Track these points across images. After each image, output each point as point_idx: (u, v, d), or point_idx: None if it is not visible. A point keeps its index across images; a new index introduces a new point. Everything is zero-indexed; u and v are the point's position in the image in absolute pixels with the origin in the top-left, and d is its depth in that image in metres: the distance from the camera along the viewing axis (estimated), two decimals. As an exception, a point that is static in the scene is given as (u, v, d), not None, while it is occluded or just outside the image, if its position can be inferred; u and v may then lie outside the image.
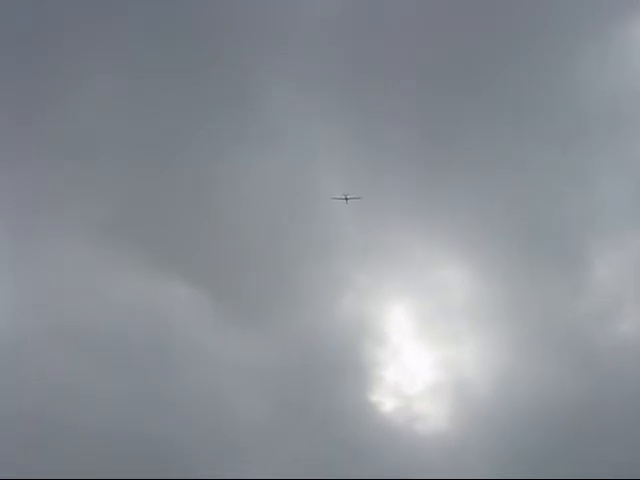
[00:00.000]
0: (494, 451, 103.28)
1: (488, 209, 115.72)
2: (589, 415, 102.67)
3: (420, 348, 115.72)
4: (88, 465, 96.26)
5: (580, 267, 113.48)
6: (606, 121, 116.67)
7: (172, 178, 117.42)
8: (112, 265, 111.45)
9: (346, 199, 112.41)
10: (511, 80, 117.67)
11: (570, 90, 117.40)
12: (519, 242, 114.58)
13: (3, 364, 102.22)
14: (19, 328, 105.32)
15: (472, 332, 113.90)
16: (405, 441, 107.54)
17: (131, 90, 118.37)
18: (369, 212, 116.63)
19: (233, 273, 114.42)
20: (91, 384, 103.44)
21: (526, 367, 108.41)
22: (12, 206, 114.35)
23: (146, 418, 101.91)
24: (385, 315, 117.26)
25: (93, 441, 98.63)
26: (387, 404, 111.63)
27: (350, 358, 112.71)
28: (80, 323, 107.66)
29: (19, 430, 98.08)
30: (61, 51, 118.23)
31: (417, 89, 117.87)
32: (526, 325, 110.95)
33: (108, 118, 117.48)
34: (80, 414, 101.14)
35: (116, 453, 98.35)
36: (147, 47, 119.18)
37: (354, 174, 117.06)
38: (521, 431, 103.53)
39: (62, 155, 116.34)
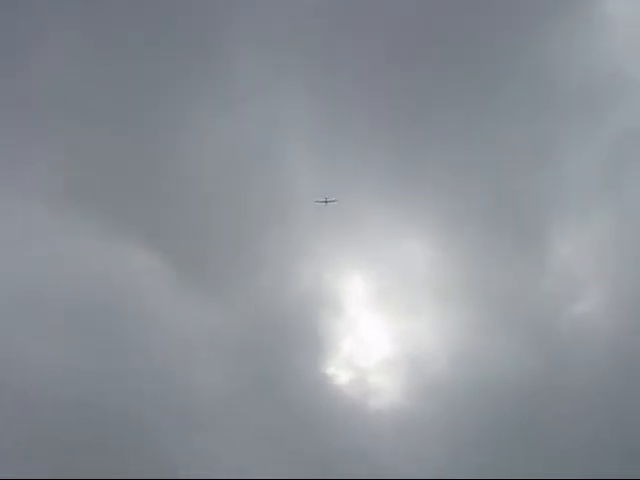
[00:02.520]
0: (448, 427, 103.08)
1: (454, 182, 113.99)
2: (545, 395, 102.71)
3: (378, 320, 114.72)
4: (40, 432, 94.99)
5: (544, 245, 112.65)
6: (574, 99, 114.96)
7: (134, 143, 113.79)
8: (71, 231, 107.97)
9: (326, 202, 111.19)
10: (480, 56, 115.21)
11: (539, 67, 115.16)
12: (484, 217, 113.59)
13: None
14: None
15: (431, 306, 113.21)
16: (359, 414, 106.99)
17: (95, 55, 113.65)
18: (331, 181, 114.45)
19: (193, 242, 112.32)
20: (49, 353, 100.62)
21: (484, 345, 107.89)
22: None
23: (103, 387, 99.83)
24: (344, 286, 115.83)
25: (48, 410, 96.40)
26: (342, 377, 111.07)
27: (308, 329, 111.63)
28: (37, 290, 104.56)
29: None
30: (24, 12, 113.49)
31: (387, 60, 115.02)
32: (486, 302, 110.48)
33: (70, 82, 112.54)
34: (35, 383, 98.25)
35: (72, 423, 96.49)
36: (114, 11, 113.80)
37: (318, 141, 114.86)
38: (476, 409, 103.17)
39: (21, 118, 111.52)
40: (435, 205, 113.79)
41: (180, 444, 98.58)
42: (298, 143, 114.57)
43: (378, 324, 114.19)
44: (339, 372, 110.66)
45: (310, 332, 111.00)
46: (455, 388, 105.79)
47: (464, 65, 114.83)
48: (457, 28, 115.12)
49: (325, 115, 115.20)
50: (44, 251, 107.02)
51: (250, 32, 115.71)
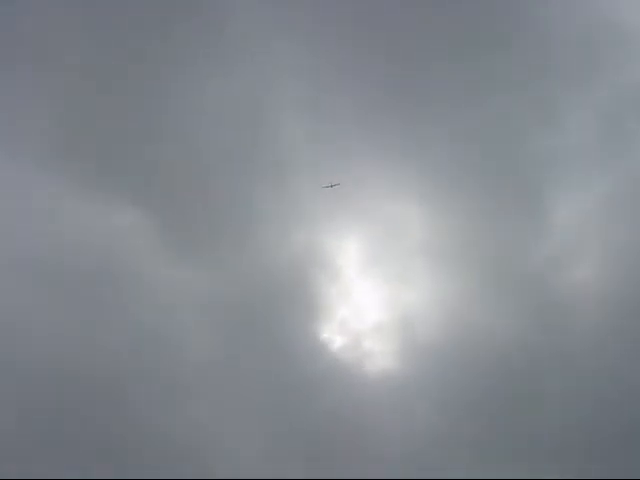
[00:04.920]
0: (443, 393, 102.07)
1: (450, 144, 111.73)
2: (542, 360, 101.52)
3: (372, 285, 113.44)
4: (26, 401, 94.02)
5: (543, 209, 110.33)
6: (576, 60, 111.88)
7: (123, 98, 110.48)
8: (55, 189, 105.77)
9: (331, 186, 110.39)
10: (479, 19, 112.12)
11: (540, 28, 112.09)
12: (480, 180, 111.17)
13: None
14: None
15: (426, 270, 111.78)
16: (353, 379, 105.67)
17: (87, 6, 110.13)
18: (325, 142, 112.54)
19: (183, 200, 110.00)
20: (30, 316, 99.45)
21: (480, 309, 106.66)
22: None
23: (88, 353, 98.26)
24: (337, 249, 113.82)
25: (31, 378, 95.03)
26: (337, 342, 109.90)
27: (300, 293, 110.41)
28: (19, 251, 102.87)
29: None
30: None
31: (388, 23, 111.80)
32: (483, 267, 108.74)
33: (57, 31, 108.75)
34: (18, 348, 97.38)
35: (57, 390, 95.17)
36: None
37: (315, 102, 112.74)
38: (471, 374, 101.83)
39: (8, 71, 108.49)
40: (433, 169, 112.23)
41: (168, 414, 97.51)
42: (295, 103, 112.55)
43: (373, 288, 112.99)
44: (333, 337, 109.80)
45: (304, 297, 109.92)
46: (450, 353, 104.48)
47: (462, 28, 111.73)
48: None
49: (323, 75, 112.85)
50: (20, 209, 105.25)
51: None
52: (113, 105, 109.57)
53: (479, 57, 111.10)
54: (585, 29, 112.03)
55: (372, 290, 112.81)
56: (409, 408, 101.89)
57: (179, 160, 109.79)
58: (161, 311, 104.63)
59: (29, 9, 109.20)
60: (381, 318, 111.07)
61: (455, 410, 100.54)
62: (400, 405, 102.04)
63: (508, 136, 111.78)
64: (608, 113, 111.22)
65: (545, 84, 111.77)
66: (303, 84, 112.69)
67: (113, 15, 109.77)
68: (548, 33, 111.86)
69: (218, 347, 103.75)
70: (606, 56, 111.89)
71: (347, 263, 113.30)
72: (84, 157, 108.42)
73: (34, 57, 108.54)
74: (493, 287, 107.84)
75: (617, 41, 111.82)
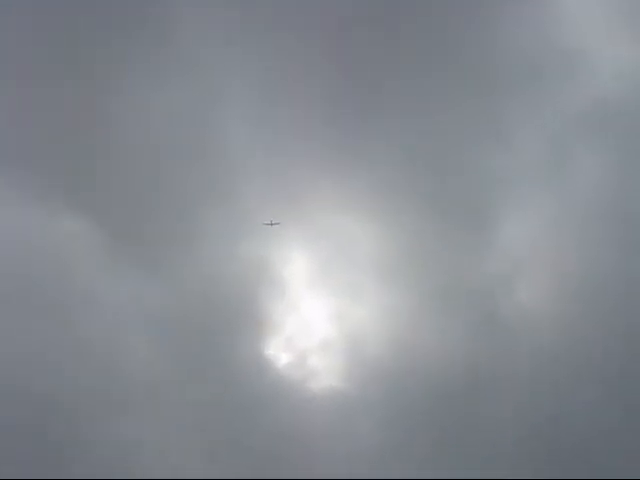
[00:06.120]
0: (386, 411, 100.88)
1: (399, 159, 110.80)
2: (488, 381, 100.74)
3: (319, 301, 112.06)
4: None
5: (488, 226, 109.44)
6: (523, 76, 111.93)
7: (68, 103, 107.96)
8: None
9: (271, 224, 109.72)
10: (429, 32, 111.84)
11: (488, 44, 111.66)
12: (429, 196, 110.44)
13: None
14: None
15: (373, 286, 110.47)
16: (298, 397, 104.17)
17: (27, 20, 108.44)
18: (274, 155, 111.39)
19: (130, 211, 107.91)
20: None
21: (426, 328, 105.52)
22: None
23: (27, 369, 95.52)
24: (285, 264, 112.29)
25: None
26: (283, 358, 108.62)
27: (247, 308, 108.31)
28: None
29: None
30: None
31: (337, 36, 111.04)
32: (429, 284, 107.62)
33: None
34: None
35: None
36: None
37: (260, 115, 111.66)
38: (416, 394, 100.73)
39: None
40: (383, 184, 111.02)
41: (110, 432, 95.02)
42: (244, 116, 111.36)
43: (319, 305, 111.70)
44: (279, 354, 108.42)
45: (250, 312, 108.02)
46: (396, 371, 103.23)
47: (413, 45, 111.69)
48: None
49: (272, 89, 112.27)
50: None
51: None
52: (59, 114, 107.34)
53: (429, 74, 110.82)
54: (533, 51, 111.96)
55: (320, 306, 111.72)
56: (354, 426, 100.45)
57: (125, 173, 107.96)
58: (105, 325, 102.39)
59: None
60: (328, 334, 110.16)
61: (400, 429, 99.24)
62: (345, 423, 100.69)
63: (458, 154, 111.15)
64: (556, 130, 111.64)
65: (494, 104, 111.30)
66: (252, 98, 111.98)
67: (60, 25, 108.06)
68: (496, 53, 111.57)
69: (160, 362, 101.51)
70: (552, 76, 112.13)
71: (295, 278, 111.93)
72: (29, 164, 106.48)
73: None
74: (441, 305, 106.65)
75: (564, 64, 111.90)
